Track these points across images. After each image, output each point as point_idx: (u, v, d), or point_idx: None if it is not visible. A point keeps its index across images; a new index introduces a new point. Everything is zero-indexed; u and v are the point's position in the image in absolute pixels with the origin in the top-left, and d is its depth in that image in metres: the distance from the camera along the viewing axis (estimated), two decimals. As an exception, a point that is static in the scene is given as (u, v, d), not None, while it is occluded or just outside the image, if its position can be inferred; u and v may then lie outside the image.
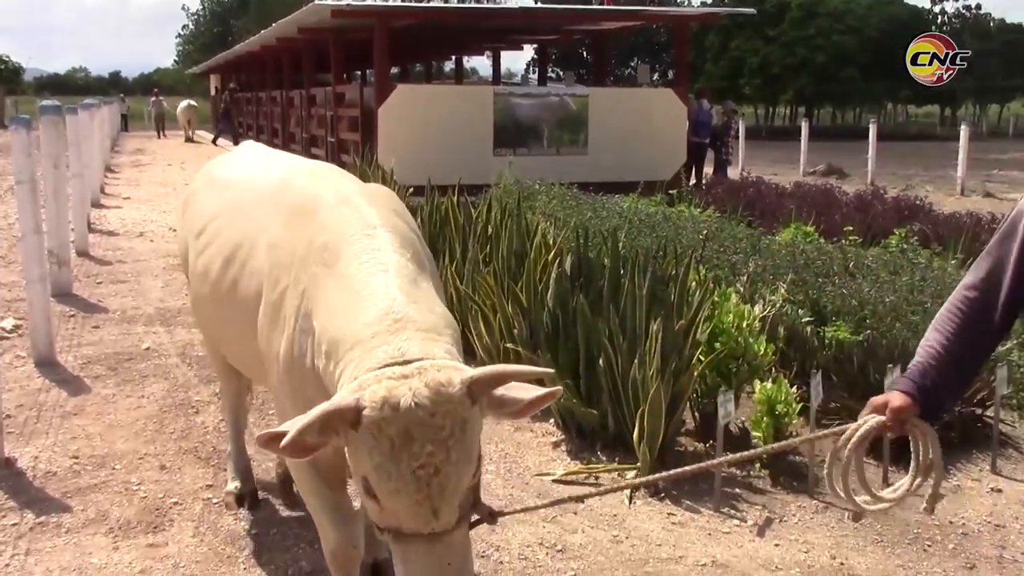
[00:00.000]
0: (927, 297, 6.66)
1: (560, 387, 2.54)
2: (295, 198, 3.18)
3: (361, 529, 3.16)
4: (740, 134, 26.81)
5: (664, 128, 18.61)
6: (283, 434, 2.17)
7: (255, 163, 3.93)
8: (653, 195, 14.13)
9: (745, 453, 3.16)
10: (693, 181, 18.87)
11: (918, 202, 13.34)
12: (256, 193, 3.46)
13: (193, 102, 40.54)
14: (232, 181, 3.79)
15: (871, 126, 24.57)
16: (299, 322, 2.81)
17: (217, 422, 5.62)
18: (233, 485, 4.53)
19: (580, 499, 2.82)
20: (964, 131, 22.07)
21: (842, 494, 2.71)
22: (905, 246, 8.98)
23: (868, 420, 2.62)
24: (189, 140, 36.99)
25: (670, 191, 14.73)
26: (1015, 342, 6.14)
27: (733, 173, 20.38)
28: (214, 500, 4.58)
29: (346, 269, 2.69)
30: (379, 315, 2.46)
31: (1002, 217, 10.12)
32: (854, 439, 2.62)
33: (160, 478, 4.83)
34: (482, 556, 4.03)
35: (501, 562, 4.05)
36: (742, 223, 11.12)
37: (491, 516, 2.46)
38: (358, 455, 2.20)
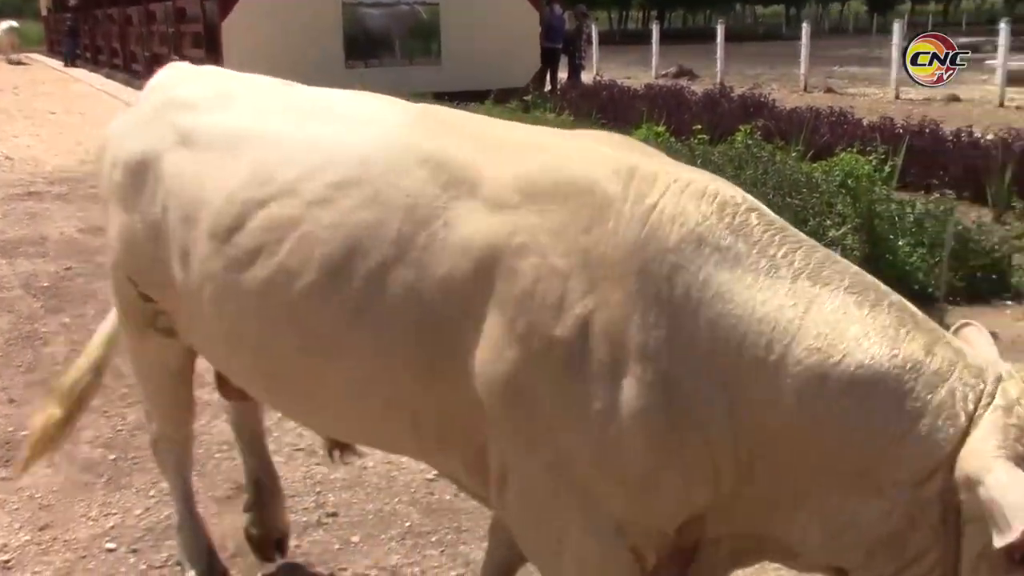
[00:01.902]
0: (769, 189, 6.94)
1: None
2: (522, 172, 2.00)
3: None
4: (593, 39, 26.91)
5: (517, 35, 18.56)
6: None
7: (279, 105, 2.51)
8: (508, 102, 14.14)
9: None
10: (548, 87, 18.93)
11: (763, 99, 13.78)
12: (366, 160, 2.16)
13: (15, 23, 38.04)
14: (267, 139, 2.36)
15: (719, 27, 25.03)
16: (670, 360, 1.81)
17: (67, 352, 5.46)
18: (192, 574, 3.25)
19: None
20: (806, 29, 22.80)
21: None
22: (750, 142, 9.26)
23: None
24: (18, 63, 34.83)
25: (524, 97, 14.76)
26: (847, 225, 6.47)
27: (587, 77, 20.47)
28: (68, 429, 4.48)
29: (781, 261, 1.83)
30: (911, 319, 1.80)
31: (839, 111, 10.43)
32: None
33: (9, 412, 4.68)
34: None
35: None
36: (596, 126, 11.27)
37: None
38: None
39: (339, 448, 3.08)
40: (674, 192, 1.90)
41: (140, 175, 2.56)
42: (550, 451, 1.92)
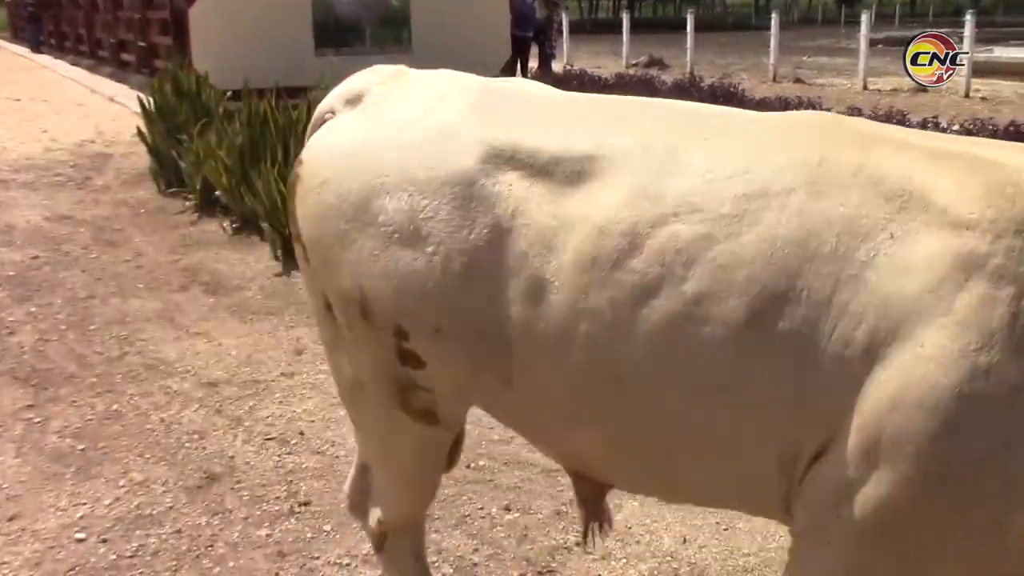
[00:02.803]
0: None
1: None
2: (996, 189, 1.70)
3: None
4: (564, 28, 26.91)
5: (488, 23, 18.49)
6: None
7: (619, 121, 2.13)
8: (479, 91, 14.12)
9: None
10: (518, 76, 18.92)
11: (733, 89, 13.89)
12: (779, 170, 1.85)
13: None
14: (628, 152, 1.98)
15: (689, 17, 25.11)
16: None
17: (34, 341, 5.41)
18: None
19: None
20: (775, 19, 22.93)
21: None
22: (719, 131, 9.33)
23: None
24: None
25: (495, 87, 14.75)
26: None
27: (557, 67, 20.51)
28: (35, 420, 4.44)
29: None
30: None
31: (808, 101, 10.51)
32: None
33: (-24, 402, 4.64)
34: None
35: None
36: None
37: None
38: None
39: (599, 520, 2.59)
40: None
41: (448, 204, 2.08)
42: (951, 490, 1.66)
